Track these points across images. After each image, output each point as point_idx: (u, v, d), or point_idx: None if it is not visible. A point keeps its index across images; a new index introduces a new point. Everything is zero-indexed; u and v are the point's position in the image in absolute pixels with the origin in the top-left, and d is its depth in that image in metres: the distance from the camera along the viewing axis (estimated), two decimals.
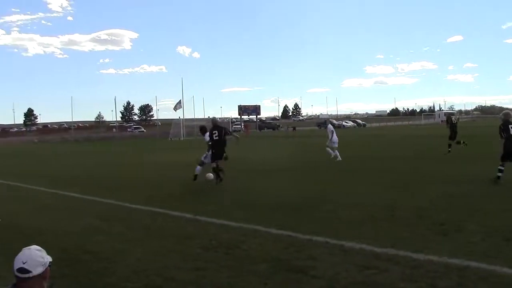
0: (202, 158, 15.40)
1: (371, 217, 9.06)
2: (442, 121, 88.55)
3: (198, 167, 15.24)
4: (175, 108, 69.04)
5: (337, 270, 5.97)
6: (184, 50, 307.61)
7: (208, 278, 5.94)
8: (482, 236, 7.36)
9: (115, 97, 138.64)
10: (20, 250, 2.88)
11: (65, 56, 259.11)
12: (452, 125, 23.26)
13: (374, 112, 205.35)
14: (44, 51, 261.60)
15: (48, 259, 2.91)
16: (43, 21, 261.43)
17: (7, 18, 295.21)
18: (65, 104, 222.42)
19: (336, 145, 21.82)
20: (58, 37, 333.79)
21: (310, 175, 16.93)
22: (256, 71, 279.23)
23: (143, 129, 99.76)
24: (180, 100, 70.14)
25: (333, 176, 16.14)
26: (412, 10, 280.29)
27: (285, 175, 16.81)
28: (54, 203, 12.67)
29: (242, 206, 10.94)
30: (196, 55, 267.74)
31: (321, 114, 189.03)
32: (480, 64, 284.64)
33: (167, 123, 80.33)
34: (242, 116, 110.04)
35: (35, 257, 2.83)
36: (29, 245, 2.92)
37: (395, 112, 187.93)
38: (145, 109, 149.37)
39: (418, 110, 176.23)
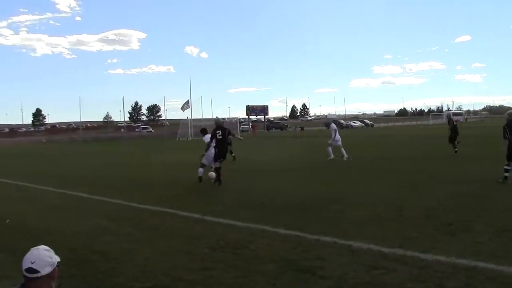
0: (202, 161, 15.49)
1: (379, 217, 9.05)
2: None
3: (200, 169, 15.34)
4: (183, 108, 69.09)
5: (345, 270, 5.96)
6: (192, 50, 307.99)
7: (216, 278, 5.94)
8: (490, 236, 7.33)
9: (123, 97, 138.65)
10: (28, 250, 2.89)
11: (73, 56, 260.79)
12: (453, 126, 23.27)
13: (382, 112, 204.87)
14: (52, 51, 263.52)
15: (56, 259, 2.92)
16: (51, 21, 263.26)
17: (16, 18, 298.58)
18: (73, 104, 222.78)
19: (339, 143, 21.88)
20: (66, 37, 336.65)
21: (318, 175, 16.92)
22: (264, 71, 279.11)
23: (151, 129, 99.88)
24: (187, 100, 70.26)
25: (341, 176, 16.12)
26: (420, 10, 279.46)
27: (292, 175, 16.80)
28: (62, 203, 12.73)
29: (250, 206, 10.94)
30: (204, 55, 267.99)
31: (329, 114, 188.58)
32: (489, 64, 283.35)
33: (175, 123, 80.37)
34: (250, 116, 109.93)
35: (43, 257, 2.83)
36: (37, 245, 2.93)
37: (403, 112, 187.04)
38: (153, 109, 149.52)
39: (426, 110, 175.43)
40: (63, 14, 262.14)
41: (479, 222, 8.23)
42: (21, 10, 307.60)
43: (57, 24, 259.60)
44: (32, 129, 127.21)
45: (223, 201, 11.90)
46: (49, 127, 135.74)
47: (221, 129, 15.09)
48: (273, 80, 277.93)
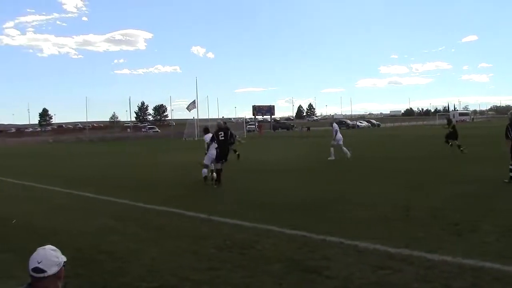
0: (204, 161, 15.50)
1: (385, 217, 9.03)
2: (456, 121, 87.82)
3: (204, 169, 15.35)
4: (188, 108, 69.00)
5: (351, 271, 5.96)
6: (198, 50, 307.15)
7: (222, 278, 5.95)
8: (496, 236, 7.30)
9: (130, 97, 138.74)
10: (35, 250, 2.89)
11: (79, 56, 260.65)
12: (453, 127, 23.22)
13: (389, 112, 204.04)
14: (59, 52, 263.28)
15: (63, 259, 2.92)
16: (58, 22, 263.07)
17: (22, 19, 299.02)
18: (79, 104, 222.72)
19: (341, 143, 22.08)
20: (73, 38, 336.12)
21: (323, 175, 16.90)
22: (270, 72, 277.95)
23: (157, 129, 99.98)
24: (194, 100, 70.19)
25: (347, 176, 16.10)
26: (426, 10, 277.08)
27: (298, 175, 16.79)
28: (68, 203, 12.78)
29: (256, 206, 10.94)
30: (210, 55, 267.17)
31: (335, 114, 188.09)
32: (495, 64, 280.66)
33: (182, 123, 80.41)
34: (256, 116, 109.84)
35: (50, 257, 2.84)
36: (44, 245, 2.93)
37: (409, 112, 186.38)
38: (160, 109, 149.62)
39: (432, 110, 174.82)
40: (69, 15, 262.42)
41: (486, 222, 8.19)
42: (28, 10, 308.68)
43: (64, 24, 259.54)
44: (39, 129, 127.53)
45: (229, 201, 11.91)
46: (55, 127, 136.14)
47: (224, 131, 15.15)
48: (279, 80, 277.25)
